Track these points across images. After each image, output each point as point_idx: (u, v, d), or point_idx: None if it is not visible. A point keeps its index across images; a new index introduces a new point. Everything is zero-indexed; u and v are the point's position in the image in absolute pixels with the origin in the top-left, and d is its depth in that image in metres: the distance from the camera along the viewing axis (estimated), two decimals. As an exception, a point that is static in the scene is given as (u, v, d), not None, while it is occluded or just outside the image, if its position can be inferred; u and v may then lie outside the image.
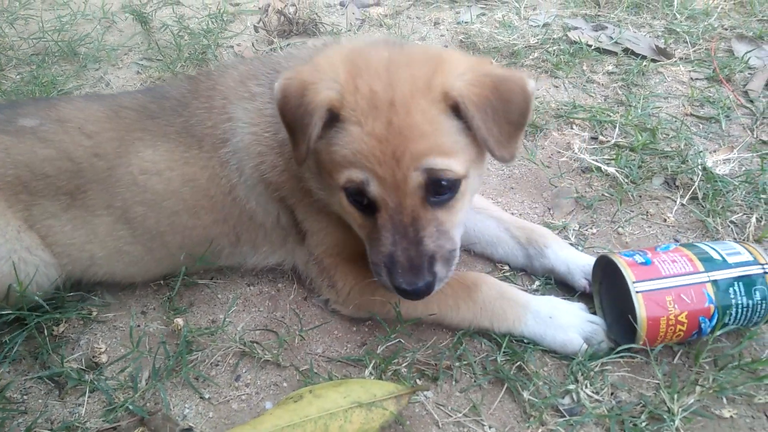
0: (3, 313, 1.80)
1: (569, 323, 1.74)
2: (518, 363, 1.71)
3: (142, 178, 1.86)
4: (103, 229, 1.90)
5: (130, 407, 1.67)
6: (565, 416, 1.57)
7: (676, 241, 2.12)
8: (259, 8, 3.85)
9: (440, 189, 1.50)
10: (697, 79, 3.03)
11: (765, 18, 3.55)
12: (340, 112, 1.48)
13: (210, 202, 1.89)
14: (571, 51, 3.24)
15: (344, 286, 1.85)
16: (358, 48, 1.67)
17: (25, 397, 1.75)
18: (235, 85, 1.91)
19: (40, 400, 1.74)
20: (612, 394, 1.62)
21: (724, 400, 1.59)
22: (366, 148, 1.45)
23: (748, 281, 1.63)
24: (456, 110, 1.47)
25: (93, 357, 1.84)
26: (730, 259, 1.67)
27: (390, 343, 1.80)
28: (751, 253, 1.69)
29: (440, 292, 1.77)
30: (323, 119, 1.48)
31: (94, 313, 1.99)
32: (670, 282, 1.63)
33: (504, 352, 1.73)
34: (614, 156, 2.45)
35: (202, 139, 1.88)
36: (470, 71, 1.51)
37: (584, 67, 3.15)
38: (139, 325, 1.94)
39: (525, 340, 1.75)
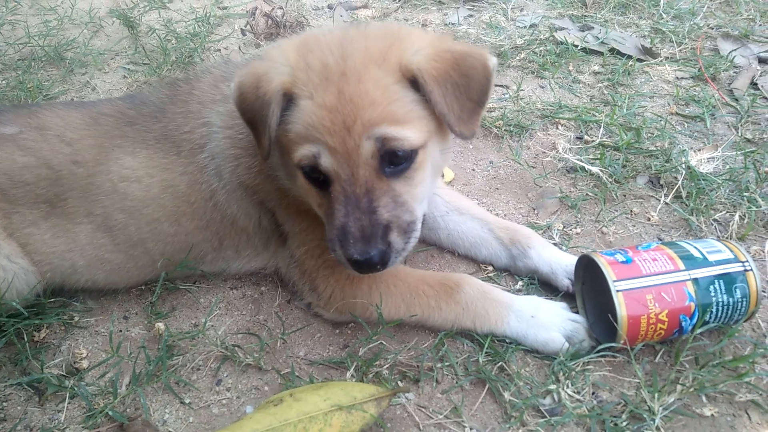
0: (-19, 319, 1.79)
1: (551, 322, 1.74)
2: (500, 363, 1.70)
3: (122, 186, 1.86)
4: (84, 237, 1.89)
5: (110, 413, 1.66)
6: (546, 416, 1.56)
7: (660, 239, 2.12)
8: (247, 11, 3.85)
9: (395, 159, 1.48)
10: (682, 78, 3.04)
11: (750, 17, 3.56)
12: (293, 91, 1.47)
13: (191, 209, 1.89)
14: (558, 51, 3.25)
15: (326, 288, 1.84)
16: (311, 32, 1.69)
17: (4, 404, 1.74)
18: (209, 88, 1.91)
19: (19, 407, 1.73)
20: (593, 393, 1.62)
21: (705, 398, 1.59)
22: (316, 119, 1.44)
23: (728, 279, 1.63)
24: (414, 84, 1.46)
25: (74, 363, 1.83)
26: (711, 257, 1.67)
27: (372, 345, 1.79)
28: (731, 251, 1.68)
29: (422, 293, 1.78)
30: (280, 105, 1.48)
31: (76, 319, 1.97)
32: (650, 280, 1.63)
33: (486, 353, 1.72)
34: (599, 155, 2.45)
35: (180, 144, 1.88)
36: (430, 46, 1.51)
37: (570, 68, 3.15)
38: (120, 330, 1.93)
39: (507, 340, 1.75)
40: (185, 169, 1.87)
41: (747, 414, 1.57)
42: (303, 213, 1.82)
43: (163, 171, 1.88)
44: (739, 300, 1.63)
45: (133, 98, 2.06)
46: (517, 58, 3.23)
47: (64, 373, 1.81)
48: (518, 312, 1.74)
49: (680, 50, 3.25)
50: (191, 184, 1.87)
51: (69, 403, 1.72)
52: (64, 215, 1.87)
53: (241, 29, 3.61)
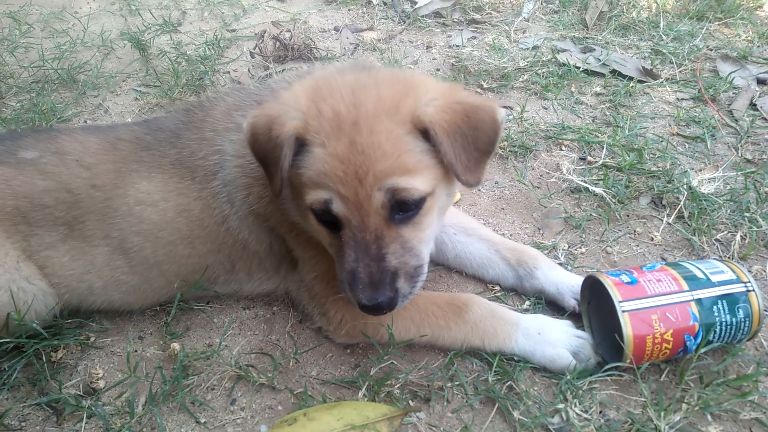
0: (2, 341, 1.83)
1: (558, 339, 1.78)
2: (509, 382, 1.74)
3: (138, 209, 1.91)
4: (101, 260, 1.93)
5: (127, 432, 1.70)
6: (554, 435, 1.60)
7: (663, 259, 2.16)
8: (255, 34, 3.94)
9: (404, 206, 1.53)
10: (683, 99, 3.10)
11: (749, 38, 3.63)
12: (306, 137, 1.52)
13: (204, 232, 1.93)
14: (560, 73, 3.32)
15: (336, 313, 1.87)
16: (323, 75, 1.73)
17: (23, 423, 1.77)
18: (222, 117, 1.96)
19: (38, 427, 1.76)
20: (600, 412, 1.65)
21: (710, 417, 1.62)
22: (329, 168, 1.49)
23: (731, 299, 1.67)
24: (424, 133, 1.51)
25: (91, 383, 1.87)
26: (714, 278, 1.71)
27: (383, 365, 1.83)
28: (734, 272, 1.73)
29: (431, 314, 1.82)
30: (293, 149, 1.53)
31: (92, 339, 2.01)
32: (655, 301, 1.67)
33: (495, 372, 1.76)
34: (602, 176, 2.51)
35: (195, 170, 1.93)
36: (442, 97, 1.55)
37: (573, 89, 3.22)
38: (136, 351, 1.97)
39: (515, 359, 1.79)
40: (199, 194, 1.93)
41: (751, 431, 1.60)
42: (312, 241, 1.86)
43: (178, 195, 1.93)
44: (742, 320, 1.67)
45: (150, 123, 2.12)
46: (521, 79, 3.30)
47: (81, 393, 1.84)
48: (525, 329, 1.78)
49: (680, 71, 3.32)
50: (205, 209, 1.92)
51: (86, 422, 1.76)
52: (81, 238, 1.92)
53: (250, 52, 3.69)
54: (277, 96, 1.71)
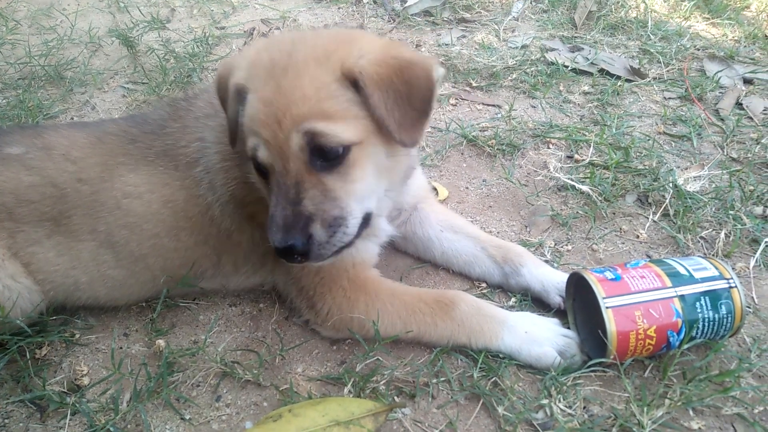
0: (-15, 337, 1.82)
1: (544, 337, 1.78)
2: (494, 379, 1.75)
3: (125, 202, 1.90)
4: (87, 255, 1.92)
5: (111, 429, 1.69)
6: (538, 431, 1.61)
7: (648, 257, 2.17)
8: (245, 32, 3.93)
9: (326, 154, 1.51)
10: (670, 98, 3.12)
11: (735, 38, 3.66)
12: (246, 86, 1.55)
13: (189, 223, 1.93)
14: (549, 72, 3.33)
15: (323, 306, 1.87)
16: (283, 32, 1.79)
17: (6, 420, 1.76)
18: (204, 105, 1.98)
19: (21, 424, 1.75)
20: (584, 408, 1.66)
21: (692, 412, 1.63)
22: (256, 112, 1.51)
23: (714, 296, 1.69)
24: (355, 85, 1.50)
25: (75, 379, 1.86)
26: (697, 275, 1.73)
27: (369, 361, 1.83)
28: (717, 268, 1.74)
29: (418, 311, 1.81)
30: (235, 99, 1.58)
31: (77, 336, 2.00)
32: (639, 297, 1.69)
33: (480, 368, 1.77)
34: (589, 174, 2.52)
35: (177, 158, 1.93)
36: (378, 51, 1.54)
37: (561, 88, 3.23)
38: (121, 347, 1.96)
39: (501, 356, 1.79)
40: (182, 183, 1.92)
41: (733, 427, 1.62)
42: None
43: (162, 186, 1.92)
44: (725, 316, 1.68)
45: (136, 117, 2.11)
46: (509, 78, 3.31)
47: (65, 390, 1.83)
48: (512, 328, 1.79)
49: (668, 71, 3.34)
50: (188, 198, 1.92)
51: (70, 419, 1.75)
52: (68, 233, 1.91)
53: (239, 49, 3.68)
54: None
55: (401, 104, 1.51)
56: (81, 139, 1.97)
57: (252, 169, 1.67)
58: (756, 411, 1.64)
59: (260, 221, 1.90)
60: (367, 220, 1.67)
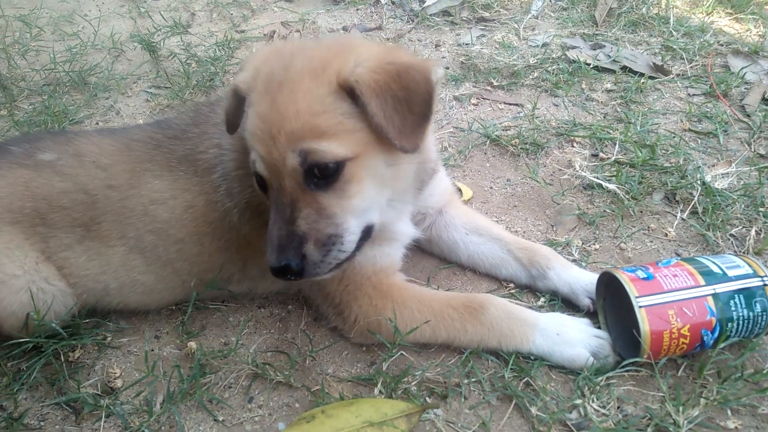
0: (21, 341, 1.85)
1: (576, 339, 1.77)
2: (525, 379, 1.74)
3: (152, 208, 1.92)
4: (117, 260, 1.95)
5: (146, 431, 1.71)
6: (572, 431, 1.60)
7: (678, 255, 2.15)
8: (264, 35, 3.95)
9: (322, 171, 1.49)
10: (694, 94, 3.09)
11: (760, 33, 3.61)
12: (247, 95, 1.56)
13: (210, 228, 1.94)
14: (570, 70, 3.31)
15: (350, 313, 1.87)
16: (286, 41, 1.78)
17: (42, 423, 1.79)
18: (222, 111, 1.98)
19: (57, 426, 1.78)
20: (618, 407, 1.65)
21: (729, 411, 1.62)
22: (252, 127, 1.50)
23: (748, 293, 1.67)
24: (352, 95, 1.48)
25: (108, 382, 1.88)
26: (730, 273, 1.71)
27: (396, 359, 1.84)
28: (750, 266, 1.72)
29: (447, 316, 1.81)
30: (231, 101, 1.62)
31: (109, 339, 2.03)
32: (672, 296, 1.67)
33: (511, 369, 1.76)
34: (615, 173, 2.50)
35: (197, 164, 1.94)
36: (375, 58, 1.52)
37: (583, 86, 3.21)
38: (153, 350, 1.98)
39: (532, 357, 1.79)
40: (201, 188, 1.93)
41: (771, 427, 1.60)
42: None
43: (184, 192, 1.94)
44: (759, 314, 1.66)
45: (161, 123, 2.13)
46: (531, 77, 3.29)
47: (99, 393, 1.86)
48: (543, 330, 1.78)
49: (691, 67, 3.30)
50: (208, 204, 1.93)
51: (105, 421, 1.77)
52: (98, 238, 1.94)
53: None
54: None
55: (400, 110, 1.48)
56: (110, 147, 2.00)
57: (255, 182, 1.68)
58: (794, 411, 1.62)
59: None
60: (368, 233, 1.66)
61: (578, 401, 1.65)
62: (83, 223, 1.92)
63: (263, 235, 1.92)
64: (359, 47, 1.60)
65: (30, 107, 3.32)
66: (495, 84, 3.27)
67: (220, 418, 1.75)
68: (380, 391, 1.75)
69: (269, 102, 1.48)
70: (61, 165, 1.93)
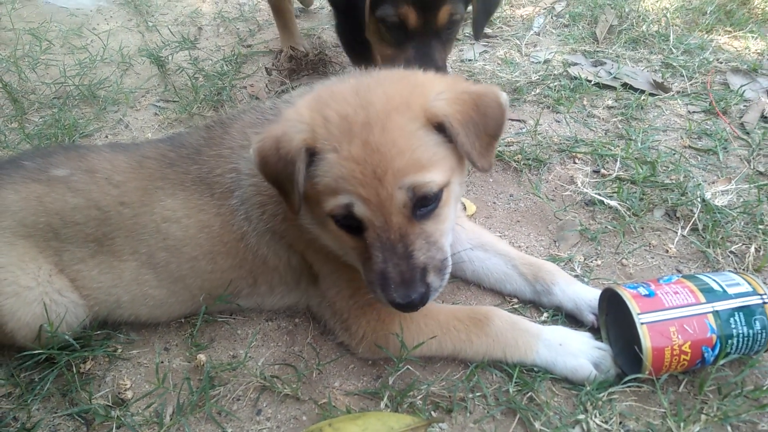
0: (35, 352, 1.88)
1: (579, 350, 1.81)
2: (529, 393, 1.77)
3: (164, 226, 1.96)
4: (129, 274, 1.99)
5: (157, 442, 1.74)
6: (575, 445, 1.63)
7: (679, 271, 2.19)
8: (271, 50, 4.01)
9: (425, 202, 1.56)
10: (694, 112, 3.14)
11: (758, 51, 3.67)
12: (315, 146, 1.55)
13: (225, 248, 1.97)
14: (572, 86, 3.36)
15: (358, 329, 1.90)
16: (322, 86, 1.77)
17: (54, 433, 1.83)
18: (238, 135, 2.00)
19: (69, 436, 1.81)
20: (620, 423, 1.68)
21: (729, 428, 1.65)
22: (346, 171, 1.51)
23: (748, 311, 1.70)
24: (437, 127, 1.55)
25: (119, 393, 1.92)
26: (730, 290, 1.74)
27: (402, 373, 1.87)
28: (750, 284, 1.76)
29: (453, 328, 1.85)
30: (305, 162, 1.55)
31: (119, 350, 2.06)
32: (673, 313, 1.71)
33: (515, 383, 1.79)
34: (616, 189, 2.54)
35: (213, 186, 1.97)
36: (449, 90, 1.60)
37: (585, 102, 3.26)
38: (162, 362, 2.02)
39: (535, 370, 1.82)
40: (218, 211, 1.97)
41: (770, 442, 1.63)
42: (331, 256, 1.89)
43: (199, 212, 1.97)
44: (759, 331, 1.70)
45: (174, 140, 2.16)
46: (533, 93, 3.34)
47: (110, 404, 1.89)
48: (547, 341, 1.82)
49: (691, 84, 3.35)
50: (224, 225, 1.96)
51: (116, 432, 1.81)
52: (110, 253, 1.98)
53: (266, 68, 3.76)
54: (280, 116, 1.76)
55: (479, 134, 1.58)
56: (123, 163, 2.03)
57: (327, 223, 1.67)
58: (793, 427, 1.65)
59: (299, 249, 1.97)
60: None
61: (581, 416, 1.69)
62: (96, 239, 1.96)
63: (281, 255, 1.99)
64: (428, 79, 1.67)
65: (40, 120, 3.38)
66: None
67: (229, 430, 1.79)
68: (386, 405, 1.79)
69: (360, 144, 1.50)
70: (74, 181, 1.98)
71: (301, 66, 3.69)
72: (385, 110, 1.53)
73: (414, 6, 2.51)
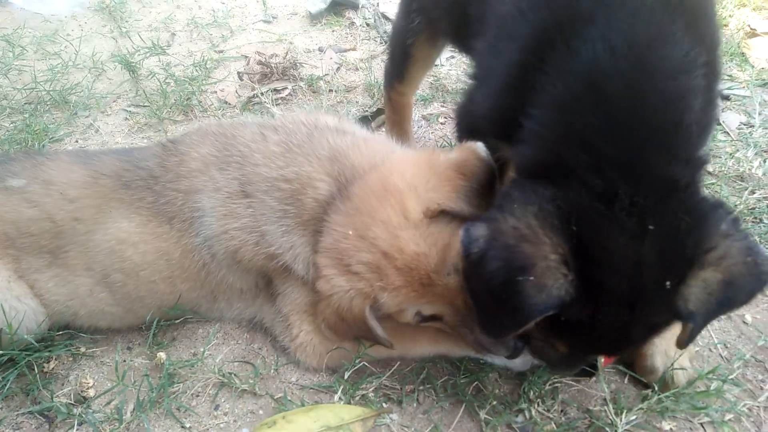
0: (-4, 353, 1.93)
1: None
2: (476, 383, 1.85)
3: (119, 248, 1.95)
4: (84, 290, 1.99)
5: (116, 438, 1.79)
6: (518, 433, 1.71)
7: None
8: (243, 55, 4.07)
9: None
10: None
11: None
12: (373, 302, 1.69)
13: (185, 274, 1.99)
14: (535, 90, 3.44)
15: (309, 342, 1.94)
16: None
17: (17, 431, 1.86)
18: (198, 170, 1.96)
19: (31, 434, 1.86)
20: (562, 411, 1.76)
21: (664, 422, 1.73)
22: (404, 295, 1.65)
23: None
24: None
25: (81, 392, 1.96)
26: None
27: (357, 368, 1.93)
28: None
29: (400, 332, 1.88)
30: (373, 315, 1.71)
31: (83, 350, 2.10)
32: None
33: (463, 374, 1.87)
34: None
35: (172, 218, 1.95)
36: (431, 177, 1.70)
37: (546, 105, 3.34)
38: (124, 360, 2.07)
39: (480, 361, 1.90)
40: (178, 241, 1.96)
41: (703, 428, 1.72)
42: (294, 275, 1.92)
43: (156, 239, 1.96)
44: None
45: (131, 157, 2.08)
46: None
47: (72, 402, 1.93)
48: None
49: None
50: (185, 254, 1.97)
51: (77, 429, 1.85)
52: (65, 267, 1.98)
53: (238, 73, 3.81)
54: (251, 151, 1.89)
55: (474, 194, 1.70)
56: (78, 178, 1.99)
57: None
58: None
59: (266, 272, 1.98)
60: None
61: (524, 405, 1.77)
62: (50, 251, 1.96)
63: (246, 279, 2.01)
64: (401, 179, 1.72)
65: (11, 125, 3.40)
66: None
67: (187, 425, 1.84)
68: (340, 398, 1.85)
69: (395, 271, 1.64)
70: (29, 192, 1.96)
71: (272, 71, 3.75)
72: (391, 234, 1.64)
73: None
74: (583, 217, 1.29)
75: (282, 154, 1.90)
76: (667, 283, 1.27)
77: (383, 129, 3.20)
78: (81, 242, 1.97)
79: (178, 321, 2.17)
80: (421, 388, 1.86)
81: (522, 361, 1.82)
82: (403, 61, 2.61)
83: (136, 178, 2.01)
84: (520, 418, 1.75)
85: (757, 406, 1.79)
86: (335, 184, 1.82)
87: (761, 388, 1.84)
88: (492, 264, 1.32)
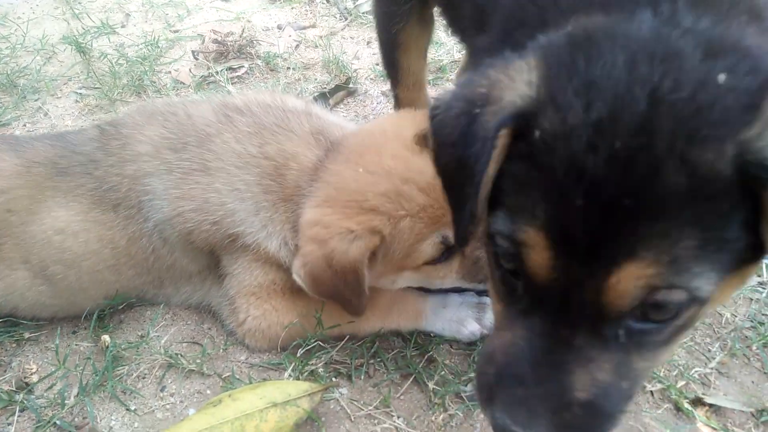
0: (-69, 340, 1.86)
1: (461, 309, 1.87)
2: (427, 356, 1.83)
3: (57, 239, 1.87)
4: (22, 284, 1.91)
5: (58, 423, 1.74)
6: (465, 402, 1.70)
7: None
8: (199, 35, 3.97)
9: None
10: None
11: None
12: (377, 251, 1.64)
13: (132, 261, 1.92)
14: (494, 64, 3.42)
15: (252, 321, 1.90)
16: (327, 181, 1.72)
17: (-45, 420, 1.81)
18: (147, 153, 1.87)
19: (-30, 423, 1.80)
20: (511, 379, 1.75)
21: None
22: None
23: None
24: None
25: (24, 378, 1.90)
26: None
27: (309, 347, 1.91)
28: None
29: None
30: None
31: (26, 335, 2.04)
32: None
33: (413, 347, 1.85)
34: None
35: (118, 204, 1.88)
36: (411, 124, 1.72)
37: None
38: (69, 345, 2.01)
39: (432, 335, 1.88)
40: (124, 228, 1.89)
41: (652, 395, 1.73)
42: (245, 256, 1.87)
43: (99, 226, 1.88)
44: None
45: (66, 143, 1.98)
46: (456, 71, 3.40)
47: (14, 389, 1.88)
48: (432, 305, 1.87)
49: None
50: (132, 242, 1.90)
51: (19, 416, 1.80)
52: (0, 260, 1.90)
53: (192, 52, 3.72)
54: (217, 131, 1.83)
55: None
56: (10, 167, 1.90)
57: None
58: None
59: (217, 252, 1.91)
60: None
61: (473, 374, 1.75)
62: None
63: (199, 260, 1.95)
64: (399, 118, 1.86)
65: (-44, 110, 3.28)
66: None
67: (132, 408, 1.80)
68: (290, 375, 1.82)
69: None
70: None
71: (228, 49, 3.66)
72: (405, 168, 1.63)
73: (549, 233, 0.91)
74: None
75: (257, 133, 1.83)
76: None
77: (341, 106, 3.15)
78: (15, 234, 1.87)
79: (124, 304, 2.12)
80: (371, 361, 1.84)
81: (470, 331, 1.82)
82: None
83: (74, 164, 1.91)
84: (469, 387, 1.74)
85: (708, 372, 1.80)
86: (323, 152, 1.79)
87: (709, 350, 1.86)
88: (453, 108, 1.05)
